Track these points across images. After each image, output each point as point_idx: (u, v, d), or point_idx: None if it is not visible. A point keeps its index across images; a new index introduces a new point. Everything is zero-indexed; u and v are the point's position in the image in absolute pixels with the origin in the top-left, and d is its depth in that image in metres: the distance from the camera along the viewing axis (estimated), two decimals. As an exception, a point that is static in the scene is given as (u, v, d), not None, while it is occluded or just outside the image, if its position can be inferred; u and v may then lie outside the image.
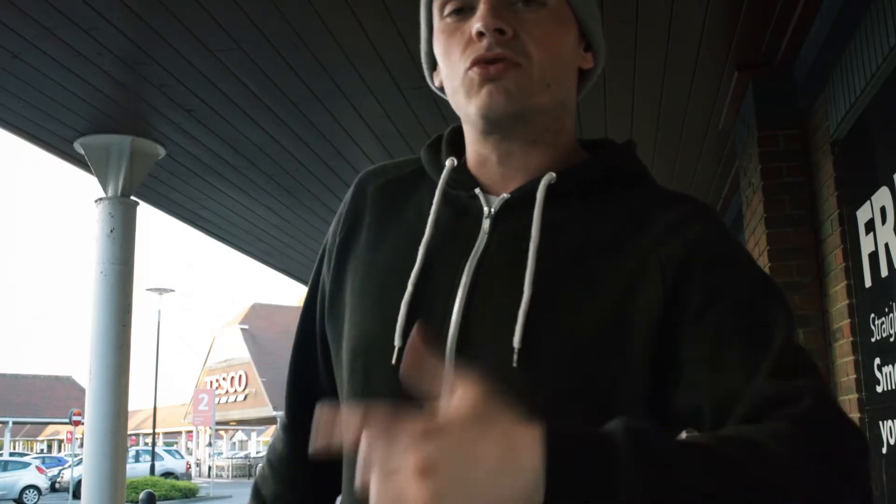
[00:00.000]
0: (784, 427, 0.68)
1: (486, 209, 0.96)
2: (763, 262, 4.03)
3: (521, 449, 0.58)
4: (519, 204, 0.94)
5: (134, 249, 5.03)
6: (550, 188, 0.93)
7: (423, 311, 0.92)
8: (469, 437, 0.58)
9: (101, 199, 4.97)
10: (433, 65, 1.06)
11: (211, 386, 45.91)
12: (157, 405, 33.36)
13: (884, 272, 3.06)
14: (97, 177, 4.96)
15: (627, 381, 0.83)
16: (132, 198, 5.01)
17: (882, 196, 3.05)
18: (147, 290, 30.02)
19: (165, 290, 29.92)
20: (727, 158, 5.44)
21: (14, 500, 27.13)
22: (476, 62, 0.93)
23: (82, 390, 38.90)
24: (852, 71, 3.24)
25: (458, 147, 1.05)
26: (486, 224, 0.95)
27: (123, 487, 4.77)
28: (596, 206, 0.93)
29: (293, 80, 4.19)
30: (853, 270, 3.40)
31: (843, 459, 0.68)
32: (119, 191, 4.93)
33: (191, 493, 28.33)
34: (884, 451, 3.12)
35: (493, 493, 0.57)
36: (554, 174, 0.94)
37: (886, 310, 3.02)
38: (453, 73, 0.98)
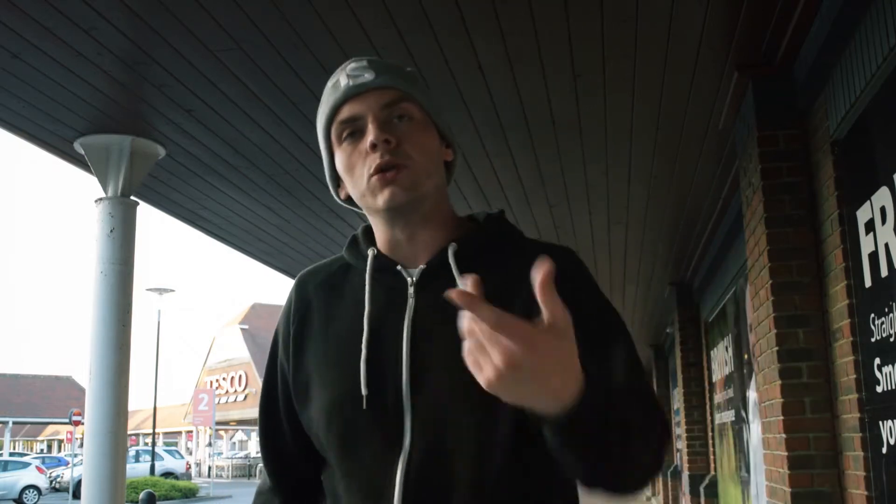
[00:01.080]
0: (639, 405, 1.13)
1: (408, 279, 1.27)
2: (763, 262, 4.03)
3: (574, 371, 0.97)
4: (434, 270, 1.26)
5: (134, 249, 5.03)
6: (455, 254, 1.26)
7: (379, 363, 1.22)
8: (551, 347, 0.93)
9: (101, 199, 4.97)
10: (337, 182, 1.35)
11: (211, 386, 45.89)
12: (157, 405, 33.34)
13: (884, 272, 3.06)
14: (97, 177, 4.95)
15: None
16: (132, 198, 5.01)
17: (882, 196, 3.05)
18: (147, 290, 29.99)
19: (165, 290, 29.90)
20: (727, 158, 5.44)
21: (14, 500, 27.12)
22: (376, 171, 1.23)
23: (82, 390, 38.89)
24: (852, 71, 3.24)
25: (371, 241, 1.34)
26: (411, 290, 1.26)
27: (123, 487, 4.77)
28: (491, 265, 1.22)
29: (293, 80, 4.19)
30: (853, 270, 3.40)
31: (656, 419, 1.15)
32: (119, 191, 4.92)
33: (191, 493, 28.33)
34: (884, 451, 3.11)
35: (549, 384, 0.95)
36: (455, 244, 1.27)
37: (886, 310, 3.02)
38: (359, 182, 1.26)
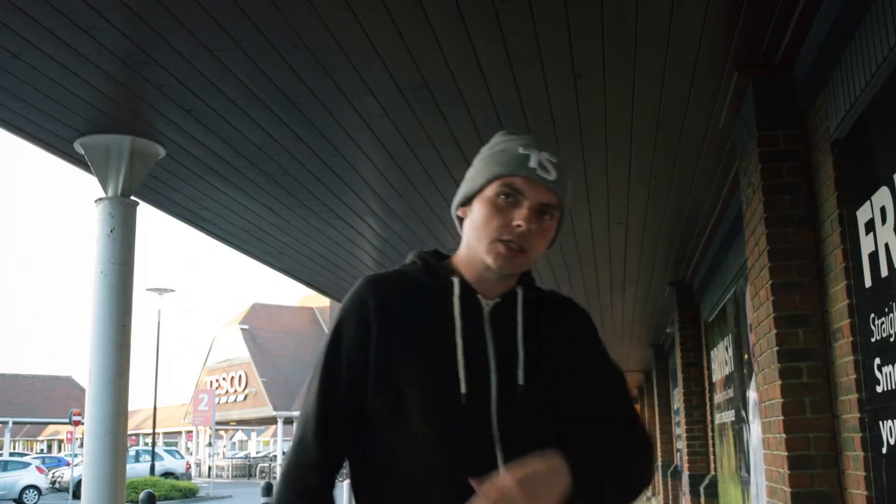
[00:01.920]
0: (638, 446, 1.63)
1: (485, 309, 1.59)
2: (763, 262, 4.03)
3: (562, 475, 1.45)
4: (506, 304, 1.61)
5: (134, 249, 5.03)
6: (515, 295, 1.63)
7: (472, 368, 1.53)
8: (542, 483, 1.43)
9: (101, 199, 4.96)
10: (465, 203, 1.63)
11: (211, 386, 45.87)
12: (157, 405, 33.33)
13: (884, 272, 3.06)
14: (97, 177, 4.95)
15: None
16: (132, 198, 5.01)
17: (882, 196, 3.05)
18: (147, 290, 30.00)
19: (165, 290, 29.90)
20: (727, 158, 5.44)
21: (14, 500, 27.12)
22: (507, 243, 1.53)
23: (82, 390, 38.86)
24: (852, 71, 3.24)
25: (441, 265, 1.65)
26: (487, 315, 1.59)
27: (123, 487, 4.77)
28: (536, 306, 1.64)
29: (293, 80, 4.19)
30: (853, 270, 3.40)
31: (651, 459, 1.63)
32: (119, 191, 4.92)
33: (191, 493, 28.33)
34: (884, 451, 3.11)
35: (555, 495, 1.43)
36: (521, 289, 1.63)
37: (886, 310, 3.02)
38: (485, 232, 1.55)
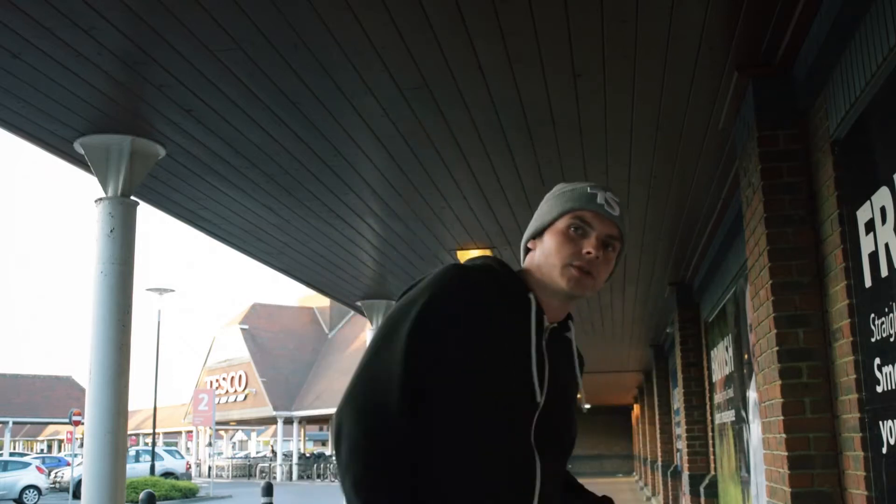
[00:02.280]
0: None
1: (546, 326, 1.76)
2: (763, 262, 4.03)
3: None
4: (559, 332, 1.81)
5: (134, 249, 5.03)
6: (568, 326, 1.86)
7: (541, 378, 1.70)
8: None
9: (101, 199, 4.96)
10: (536, 236, 1.81)
11: (211, 386, 45.86)
12: (157, 405, 33.34)
13: (884, 272, 3.06)
14: (97, 177, 4.95)
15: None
16: (132, 198, 5.01)
17: (882, 196, 3.05)
18: (147, 290, 29.99)
19: (165, 290, 29.89)
20: (727, 158, 5.44)
21: (14, 501, 27.12)
22: (579, 267, 1.72)
23: (82, 390, 38.82)
24: (852, 71, 3.24)
25: (521, 277, 1.81)
26: (546, 334, 1.75)
27: (123, 487, 4.77)
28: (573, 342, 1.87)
29: (293, 80, 4.19)
30: (853, 270, 3.40)
31: None
32: (119, 191, 4.92)
33: (191, 493, 28.32)
34: (884, 451, 3.11)
35: None
36: (572, 322, 1.87)
37: (886, 310, 3.02)
38: (558, 257, 1.73)
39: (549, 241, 1.76)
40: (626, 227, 1.81)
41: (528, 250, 1.83)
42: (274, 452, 46.77)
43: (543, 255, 1.76)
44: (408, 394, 1.59)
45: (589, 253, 1.72)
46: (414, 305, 1.65)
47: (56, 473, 32.24)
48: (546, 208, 1.81)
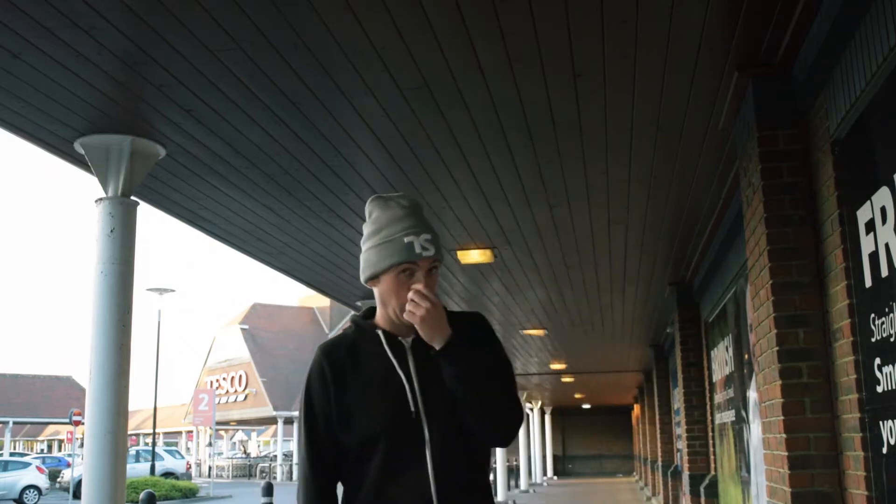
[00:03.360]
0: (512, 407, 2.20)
1: (406, 346, 2.16)
2: (763, 262, 4.03)
3: (445, 324, 2.12)
4: (418, 341, 2.14)
5: (134, 249, 5.02)
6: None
7: (403, 394, 2.11)
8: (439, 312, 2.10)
9: (101, 199, 4.96)
10: (373, 278, 2.19)
11: (211, 386, 45.86)
12: (158, 405, 33.33)
13: (884, 272, 3.06)
14: (97, 177, 4.95)
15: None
16: (132, 198, 5.01)
17: (882, 196, 3.05)
18: (147, 290, 29.99)
19: (165, 290, 29.90)
20: (727, 158, 5.44)
21: (14, 501, 27.12)
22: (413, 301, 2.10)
23: (82, 390, 38.81)
24: (852, 71, 3.24)
25: (369, 319, 2.25)
26: (410, 353, 2.16)
27: (123, 487, 4.77)
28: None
29: (293, 80, 4.19)
30: (853, 270, 3.40)
31: (515, 420, 2.17)
32: (119, 191, 4.92)
33: (191, 493, 28.33)
34: (884, 451, 3.12)
35: (438, 324, 2.10)
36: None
37: (886, 310, 3.02)
38: (397, 300, 2.13)
39: (385, 286, 2.16)
40: (441, 247, 2.20)
41: (370, 286, 2.22)
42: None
43: (385, 296, 2.17)
44: (318, 465, 2.16)
45: (417, 290, 2.10)
46: (302, 400, 2.21)
47: (62, 473, 32.20)
48: (375, 258, 2.17)
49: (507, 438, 2.16)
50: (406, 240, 2.13)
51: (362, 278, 2.21)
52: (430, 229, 2.16)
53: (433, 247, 2.14)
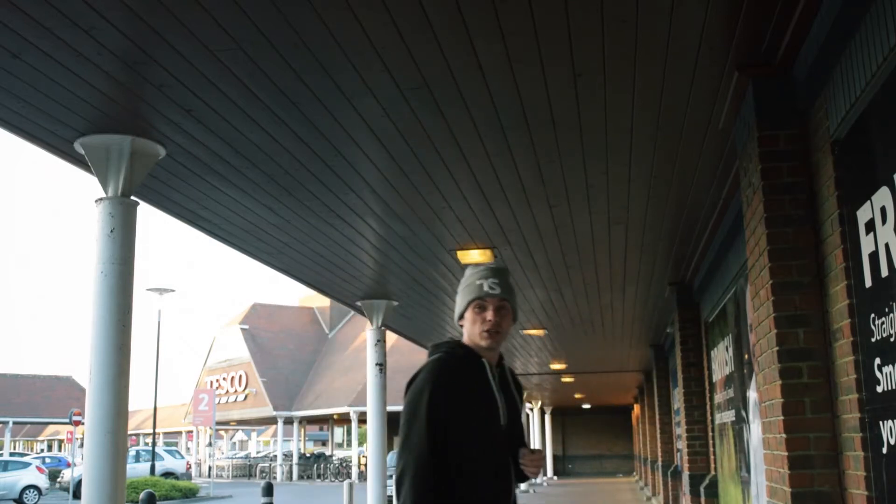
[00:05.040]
0: None
1: (494, 372, 2.92)
2: (763, 262, 4.03)
3: None
4: (501, 374, 2.97)
5: (134, 249, 5.02)
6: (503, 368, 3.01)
7: (503, 418, 2.89)
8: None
9: (101, 199, 4.96)
10: (461, 317, 2.96)
11: (211, 386, 45.85)
12: (158, 405, 33.33)
13: (884, 272, 3.06)
14: (97, 177, 4.95)
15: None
16: (132, 198, 5.01)
17: (882, 196, 3.05)
18: (147, 290, 29.99)
19: (165, 290, 29.89)
20: (727, 158, 5.44)
21: (14, 501, 27.12)
22: (485, 330, 2.88)
23: (82, 390, 38.77)
24: (852, 71, 3.24)
25: (468, 349, 2.95)
26: (496, 377, 2.92)
27: (123, 487, 4.77)
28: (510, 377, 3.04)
29: (293, 80, 4.19)
30: (853, 270, 3.40)
31: None
32: (119, 191, 4.92)
33: (191, 493, 28.33)
34: (884, 451, 3.12)
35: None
36: (505, 364, 3.03)
37: (886, 310, 3.02)
38: (475, 328, 2.89)
39: (468, 320, 2.92)
40: (511, 290, 2.95)
41: (460, 326, 2.97)
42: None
43: (470, 328, 2.91)
44: (434, 449, 2.72)
45: (489, 320, 2.87)
46: (423, 395, 2.77)
47: (63, 473, 32.19)
48: (460, 299, 2.96)
49: None
50: (478, 282, 2.91)
51: (455, 319, 3.00)
52: (501, 276, 2.93)
53: (499, 288, 2.90)
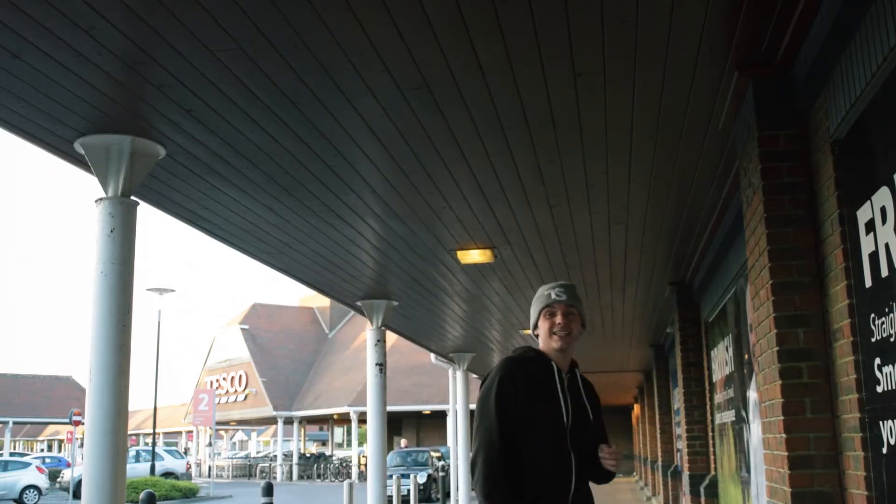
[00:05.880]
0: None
1: (566, 378, 3.31)
2: (763, 262, 4.03)
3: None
4: (571, 378, 3.35)
5: (134, 249, 5.02)
6: (574, 373, 3.41)
7: (566, 409, 3.26)
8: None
9: (101, 199, 4.96)
10: (534, 328, 3.39)
11: (211, 386, 45.87)
12: (158, 405, 33.33)
13: (884, 272, 3.06)
14: (97, 177, 4.95)
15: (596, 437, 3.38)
16: (132, 198, 5.01)
17: (882, 196, 3.05)
18: (147, 290, 30.00)
19: (165, 290, 29.90)
20: (727, 158, 5.44)
21: (14, 501, 27.12)
22: (555, 333, 3.30)
23: (82, 390, 38.77)
24: (852, 71, 3.24)
25: (542, 352, 3.37)
26: (566, 380, 3.32)
27: (123, 487, 4.77)
28: (580, 382, 3.42)
29: (293, 80, 4.19)
30: (853, 270, 3.40)
31: None
32: (119, 191, 4.92)
33: (191, 493, 28.33)
34: (884, 451, 3.12)
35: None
36: (578, 370, 3.43)
37: (886, 310, 3.02)
38: (545, 333, 3.32)
39: (541, 327, 3.32)
40: (577, 298, 3.35)
41: (536, 335, 3.36)
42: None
43: (542, 334, 3.31)
44: (503, 435, 3.10)
45: (559, 323, 3.27)
46: (492, 388, 3.18)
47: (63, 473, 32.18)
48: (533, 309, 3.38)
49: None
50: (546, 292, 3.33)
51: (531, 330, 3.40)
52: (568, 287, 3.34)
53: (566, 295, 3.30)
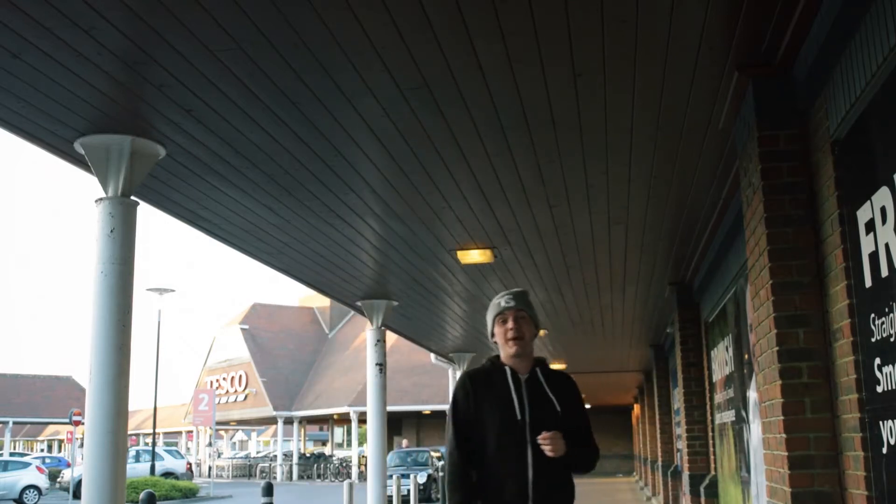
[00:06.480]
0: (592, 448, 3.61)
1: (522, 379, 3.51)
2: (763, 262, 4.03)
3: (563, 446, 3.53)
4: (530, 377, 3.52)
5: (134, 249, 5.02)
6: (535, 372, 3.57)
7: (520, 408, 3.45)
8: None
9: (101, 199, 4.96)
10: (492, 334, 3.61)
11: (211, 386, 45.86)
12: (158, 405, 33.33)
13: (884, 272, 3.06)
14: (97, 177, 4.95)
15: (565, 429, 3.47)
16: (132, 198, 5.01)
17: (882, 196, 3.05)
18: (147, 290, 29.99)
19: (165, 290, 29.89)
20: (727, 158, 5.44)
21: (14, 501, 27.12)
22: (510, 339, 3.51)
23: (82, 390, 38.78)
24: (852, 71, 3.24)
25: (499, 360, 3.60)
26: (524, 384, 3.50)
27: (123, 487, 4.77)
28: (544, 376, 3.56)
29: (293, 80, 4.19)
30: (853, 270, 3.40)
31: (595, 456, 3.61)
32: (119, 191, 4.92)
33: (191, 493, 28.33)
34: (884, 451, 3.12)
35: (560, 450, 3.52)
36: (538, 368, 3.57)
37: (886, 310, 3.02)
38: (502, 340, 3.54)
39: (497, 334, 3.55)
40: (528, 302, 3.57)
41: (495, 343, 3.57)
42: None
43: (499, 341, 3.54)
44: (459, 444, 3.42)
45: (511, 328, 3.48)
46: (451, 402, 3.53)
47: (63, 473, 32.17)
48: (488, 318, 3.61)
49: (589, 470, 3.57)
50: (497, 301, 3.57)
51: (489, 339, 3.61)
52: (518, 293, 3.57)
53: (514, 301, 3.52)
